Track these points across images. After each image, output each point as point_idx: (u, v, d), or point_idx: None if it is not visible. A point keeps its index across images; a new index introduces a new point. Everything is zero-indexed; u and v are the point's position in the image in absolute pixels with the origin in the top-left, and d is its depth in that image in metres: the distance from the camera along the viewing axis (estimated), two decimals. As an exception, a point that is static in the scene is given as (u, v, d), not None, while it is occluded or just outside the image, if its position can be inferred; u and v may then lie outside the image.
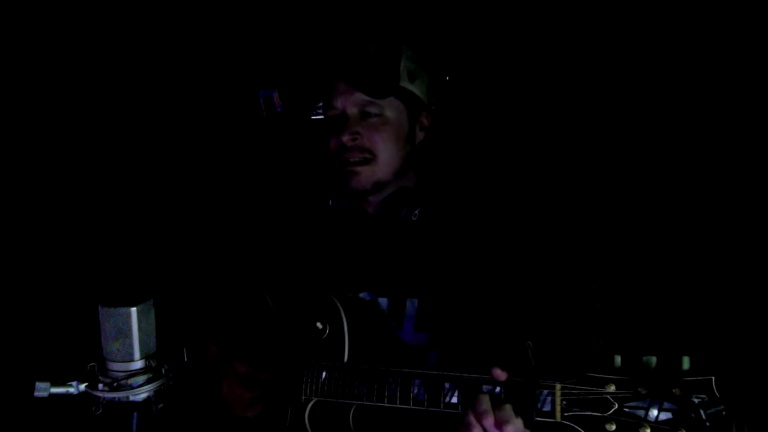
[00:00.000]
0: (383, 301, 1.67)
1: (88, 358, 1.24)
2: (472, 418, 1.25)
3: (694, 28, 2.05)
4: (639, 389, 1.11)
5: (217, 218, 2.43)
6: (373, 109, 1.66)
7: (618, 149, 2.16)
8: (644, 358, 1.13)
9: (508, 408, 1.22)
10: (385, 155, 1.67)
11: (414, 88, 1.71)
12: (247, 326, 1.73)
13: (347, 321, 1.53)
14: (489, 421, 1.23)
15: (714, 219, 2.03)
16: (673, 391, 1.08)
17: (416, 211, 1.68)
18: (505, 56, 2.25)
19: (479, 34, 2.25)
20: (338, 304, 1.55)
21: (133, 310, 1.21)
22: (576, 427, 1.16)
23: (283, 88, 1.77)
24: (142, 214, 2.49)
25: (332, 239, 1.79)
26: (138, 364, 1.22)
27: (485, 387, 1.28)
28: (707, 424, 1.05)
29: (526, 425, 1.23)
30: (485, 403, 1.24)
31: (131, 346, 1.22)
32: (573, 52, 2.19)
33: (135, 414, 1.23)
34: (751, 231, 1.99)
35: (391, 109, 1.68)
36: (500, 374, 1.27)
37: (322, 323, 1.54)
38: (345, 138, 1.65)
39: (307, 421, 1.51)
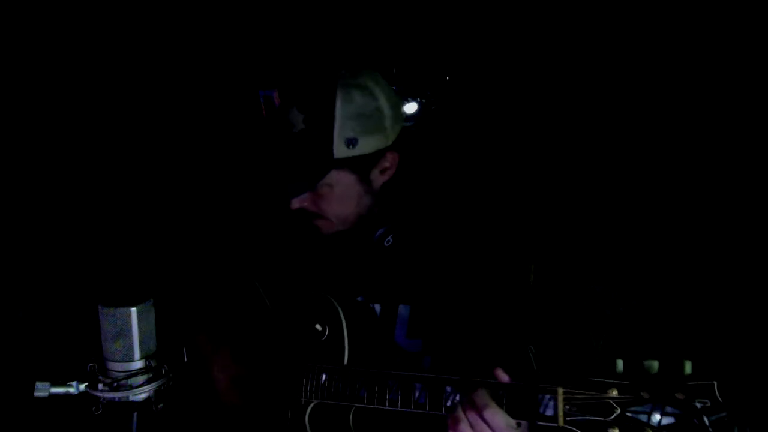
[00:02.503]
0: (376, 307, 1.66)
1: (88, 358, 1.24)
2: (460, 413, 1.27)
3: (694, 28, 2.04)
4: (641, 393, 1.10)
5: (216, 219, 2.42)
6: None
7: (621, 153, 2.16)
8: (646, 363, 1.12)
9: (483, 393, 1.25)
10: (338, 215, 1.62)
11: (358, 150, 1.55)
12: (245, 326, 1.73)
13: (347, 323, 1.52)
14: (473, 416, 1.25)
15: (716, 224, 2.03)
16: (676, 395, 1.08)
17: (389, 238, 1.63)
18: (486, 68, 2.24)
19: (461, 46, 2.24)
20: (337, 307, 1.55)
21: (133, 310, 1.21)
22: None
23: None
24: (141, 214, 2.48)
25: (322, 245, 1.78)
26: (138, 364, 1.23)
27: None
28: (710, 430, 1.05)
29: (529, 430, 1.23)
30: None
31: (131, 346, 1.22)
32: (558, 59, 2.18)
33: (135, 414, 1.23)
34: (753, 236, 1.98)
35: (335, 176, 1.57)
36: (502, 375, 1.27)
37: (321, 325, 1.54)
38: (294, 207, 1.61)
39: (307, 422, 1.51)
